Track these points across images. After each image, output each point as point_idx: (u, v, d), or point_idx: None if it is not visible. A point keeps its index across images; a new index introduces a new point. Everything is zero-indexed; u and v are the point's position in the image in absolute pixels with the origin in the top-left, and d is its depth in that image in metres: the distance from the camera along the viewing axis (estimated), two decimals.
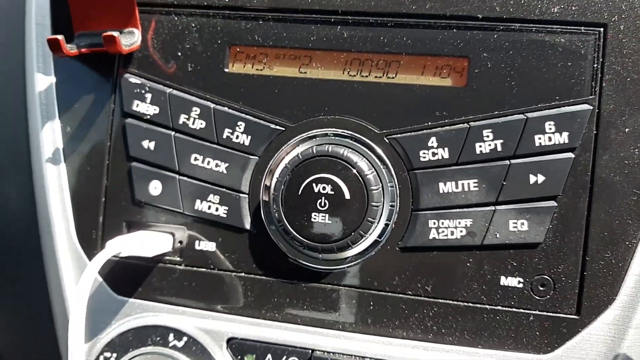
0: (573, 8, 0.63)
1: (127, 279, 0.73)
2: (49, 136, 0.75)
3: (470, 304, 0.65)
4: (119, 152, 0.73)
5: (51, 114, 0.74)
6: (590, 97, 0.62)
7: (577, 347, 0.63)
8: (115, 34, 0.67)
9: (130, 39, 0.71)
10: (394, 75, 0.67)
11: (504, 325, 0.64)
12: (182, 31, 0.71)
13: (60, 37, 0.67)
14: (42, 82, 0.75)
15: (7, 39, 0.80)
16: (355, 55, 0.68)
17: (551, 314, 0.63)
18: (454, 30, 0.65)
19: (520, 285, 0.64)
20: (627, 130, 0.62)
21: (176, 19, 0.71)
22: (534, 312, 0.64)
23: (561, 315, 0.63)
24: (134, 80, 0.72)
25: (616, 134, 0.62)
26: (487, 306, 0.65)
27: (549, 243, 0.63)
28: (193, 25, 0.71)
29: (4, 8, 0.81)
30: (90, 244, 0.74)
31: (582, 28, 0.63)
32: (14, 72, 0.78)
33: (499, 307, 0.64)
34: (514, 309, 0.64)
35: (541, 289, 0.63)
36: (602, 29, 0.62)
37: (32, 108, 0.75)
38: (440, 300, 0.66)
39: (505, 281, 0.64)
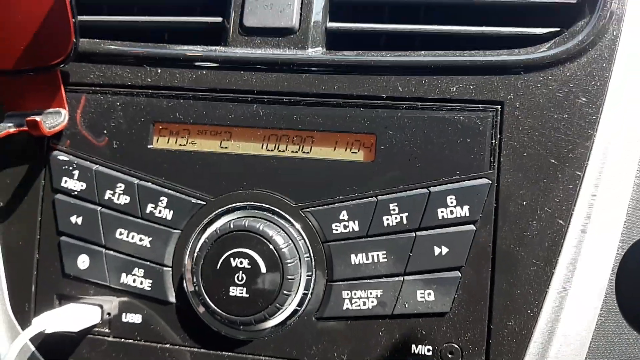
0: (471, 87, 0.66)
1: (60, 349, 0.75)
2: None
3: None
4: (49, 226, 0.75)
5: None
6: (490, 171, 0.65)
7: None
8: (38, 118, 0.69)
9: (56, 119, 0.73)
10: (309, 150, 0.70)
11: None
12: (108, 109, 0.74)
13: None
14: None
15: None
16: (272, 132, 0.70)
17: None
18: (361, 108, 0.68)
19: (430, 354, 0.66)
20: (524, 203, 0.64)
21: (102, 97, 0.74)
22: None
23: None
24: (62, 157, 0.74)
25: (514, 207, 0.64)
26: None
27: (456, 312, 0.65)
28: (118, 103, 0.74)
29: None
30: (23, 315, 0.75)
31: (480, 106, 0.66)
32: None
33: None
34: None
35: (450, 356, 0.66)
36: (499, 107, 0.65)
37: None
38: None
39: (416, 349, 0.66)
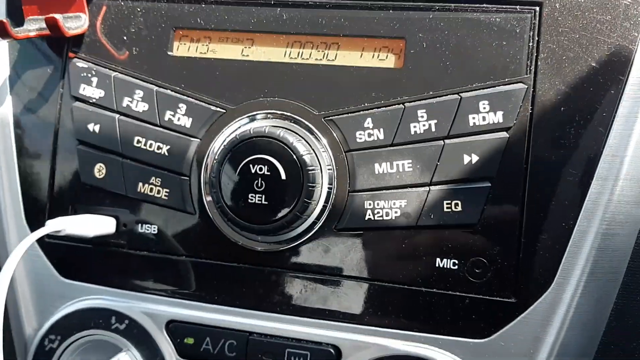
0: None
1: (73, 261, 0.73)
2: (1, 118, 0.75)
3: (406, 286, 0.64)
4: (67, 135, 0.73)
5: (3, 97, 0.75)
6: (526, 76, 0.61)
7: (514, 331, 0.62)
8: (58, 16, 0.67)
9: (76, 23, 0.71)
10: (333, 58, 0.67)
11: (440, 309, 0.63)
12: (128, 15, 0.72)
13: (5, 19, 0.68)
14: None
15: None
16: (296, 38, 0.67)
17: (487, 298, 0.62)
18: (390, 10, 0.64)
19: (456, 267, 0.63)
20: (562, 109, 0.60)
21: (123, 3, 0.72)
22: (470, 295, 0.62)
23: (498, 299, 0.62)
24: (81, 64, 0.72)
25: (551, 113, 0.61)
26: (423, 288, 0.63)
27: (484, 224, 0.62)
28: (139, 9, 0.71)
29: None
30: (38, 225, 0.73)
31: (518, 7, 0.62)
32: None
33: (435, 290, 0.63)
34: (450, 292, 0.63)
35: (477, 271, 0.62)
36: (537, 8, 0.61)
37: None
38: (376, 283, 0.65)
39: (441, 263, 0.63)
